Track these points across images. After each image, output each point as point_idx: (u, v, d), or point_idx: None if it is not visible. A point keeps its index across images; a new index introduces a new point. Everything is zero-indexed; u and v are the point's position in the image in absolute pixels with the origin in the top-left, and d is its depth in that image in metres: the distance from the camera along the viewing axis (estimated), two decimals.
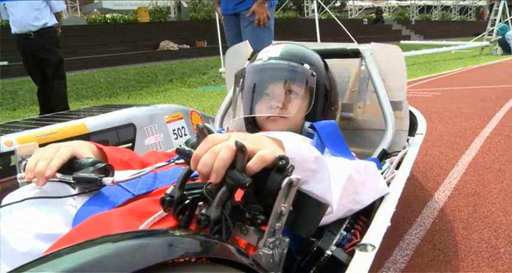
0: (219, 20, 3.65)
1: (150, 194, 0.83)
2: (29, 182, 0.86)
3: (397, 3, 31.44)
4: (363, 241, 0.80)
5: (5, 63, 11.05)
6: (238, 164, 0.62)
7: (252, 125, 1.40)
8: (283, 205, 0.63)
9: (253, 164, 0.62)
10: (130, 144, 2.44)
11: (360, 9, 27.25)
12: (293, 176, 0.62)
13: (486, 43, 12.39)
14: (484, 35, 13.09)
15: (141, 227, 0.68)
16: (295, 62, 1.29)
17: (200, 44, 15.06)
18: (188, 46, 14.82)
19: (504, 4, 12.12)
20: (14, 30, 4.06)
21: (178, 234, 0.55)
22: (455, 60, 10.67)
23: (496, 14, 12.32)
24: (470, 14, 34.60)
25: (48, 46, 4.11)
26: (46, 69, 4.16)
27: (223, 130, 1.55)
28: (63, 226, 0.78)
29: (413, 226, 1.73)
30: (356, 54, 1.64)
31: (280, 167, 0.63)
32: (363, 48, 1.62)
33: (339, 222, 0.88)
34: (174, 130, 2.73)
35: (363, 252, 0.75)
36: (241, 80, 1.36)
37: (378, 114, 1.58)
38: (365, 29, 19.16)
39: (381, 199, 1.01)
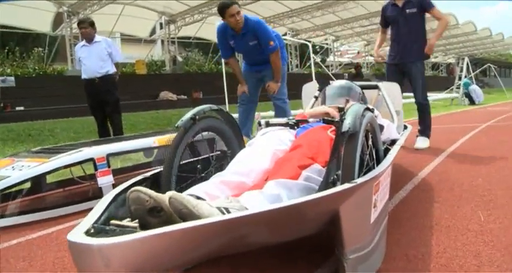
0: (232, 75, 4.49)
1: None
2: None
3: (374, 60, 33.67)
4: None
5: (21, 108, 12.24)
6: None
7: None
8: None
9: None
10: None
11: (339, 65, 29.24)
12: (376, 113, 1.95)
13: (456, 95, 14.22)
14: (452, 89, 15.02)
15: (329, 131, 1.95)
16: (353, 87, 2.65)
17: (196, 95, 15.95)
18: (185, 97, 15.58)
19: (467, 62, 14.09)
20: (84, 76, 5.09)
21: None
22: None
23: (461, 70, 14.26)
24: (441, 70, 37.34)
25: (109, 89, 5.10)
26: (107, 107, 5.14)
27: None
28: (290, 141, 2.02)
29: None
30: (375, 87, 3.02)
31: (371, 109, 1.93)
32: (379, 84, 3.02)
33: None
34: None
35: (398, 146, 2.06)
36: (324, 92, 2.68)
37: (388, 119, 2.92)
38: None
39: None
